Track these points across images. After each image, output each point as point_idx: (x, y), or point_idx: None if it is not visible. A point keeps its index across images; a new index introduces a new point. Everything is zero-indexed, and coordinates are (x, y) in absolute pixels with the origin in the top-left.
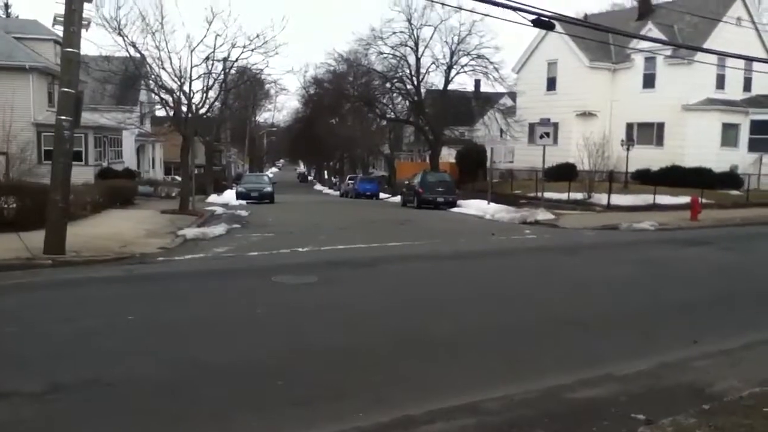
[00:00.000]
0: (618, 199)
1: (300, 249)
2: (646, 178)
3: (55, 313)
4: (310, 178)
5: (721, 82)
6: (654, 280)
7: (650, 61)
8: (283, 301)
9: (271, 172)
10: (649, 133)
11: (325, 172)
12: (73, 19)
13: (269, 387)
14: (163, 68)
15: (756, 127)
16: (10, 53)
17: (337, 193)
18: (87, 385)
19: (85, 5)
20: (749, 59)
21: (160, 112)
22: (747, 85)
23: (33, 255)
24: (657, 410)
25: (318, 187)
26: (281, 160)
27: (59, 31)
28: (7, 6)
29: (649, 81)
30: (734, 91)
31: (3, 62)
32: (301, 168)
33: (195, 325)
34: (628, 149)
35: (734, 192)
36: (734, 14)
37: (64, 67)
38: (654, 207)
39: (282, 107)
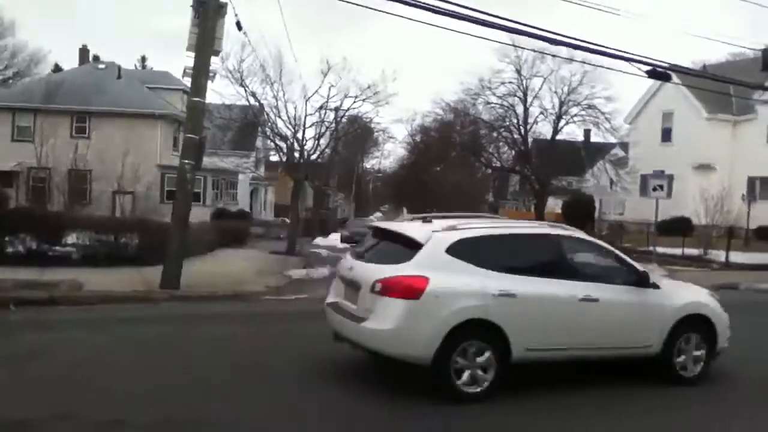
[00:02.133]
0: (738, 257)
1: None
2: None
3: (163, 346)
4: None
5: None
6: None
7: None
8: None
9: (375, 216)
10: None
11: None
12: (200, 71)
13: None
14: (279, 116)
15: None
16: (144, 102)
17: None
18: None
19: (212, 59)
20: None
21: (274, 158)
22: None
23: (150, 288)
24: None
25: None
26: (386, 205)
27: (188, 82)
28: (143, 59)
29: None
30: None
31: (137, 110)
32: (405, 214)
33: (296, 368)
34: (749, 204)
35: None
36: None
37: (189, 114)
38: None
39: (389, 154)
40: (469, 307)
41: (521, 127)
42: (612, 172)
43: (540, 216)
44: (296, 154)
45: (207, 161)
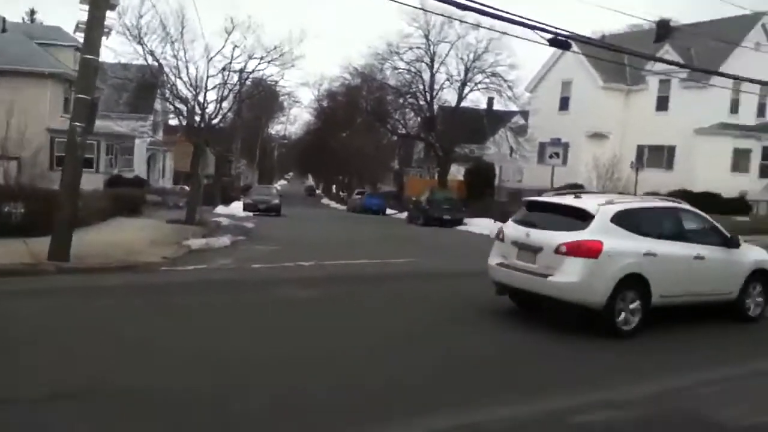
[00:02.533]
0: None
1: (304, 263)
2: None
3: (52, 321)
4: (317, 192)
5: (735, 107)
6: None
7: (665, 83)
8: (283, 315)
9: (279, 184)
10: (660, 156)
11: (333, 186)
12: (94, 25)
13: (267, 404)
14: (180, 77)
15: None
16: (31, 59)
17: (344, 207)
18: (83, 395)
19: (108, 13)
20: (765, 84)
21: (173, 122)
22: (761, 110)
23: (37, 260)
24: None
25: (325, 201)
26: (290, 173)
27: (81, 37)
28: (32, 12)
29: (662, 104)
30: (748, 116)
31: (24, 67)
32: (310, 181)
33: (187, 338)
34: (637, 171)
35: (742, 218)
36: (753, 39)
37: (81, 72)
38: None
39: (295, 120)
40: (630, 264)
41: (427, 94)
42: (512, 139)
43: (443, 184)
44: (197, 118)
45: (100, 124)
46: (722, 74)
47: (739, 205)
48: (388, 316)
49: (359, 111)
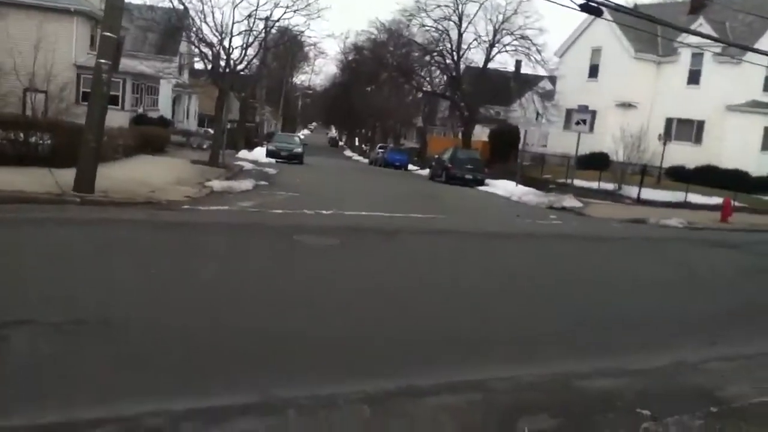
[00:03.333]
0: (649, 194)
1: (324, 211)
2: (681, 176)
3: (77, 251)
4: (340, 143)
5: None
6: (680, 280)
7: (697, 57)
8: (301, 261)
9: (302, 133)
10: (689, 130)
11: (357, 138)
12: None
13: (266, 349)
14: (205, 22)
15: None
16: None
17: (366, 160)
18: (102, 323)
19: None
20: None
21: (199, 65)
22: None
23: (63, 191)
24: (664, 409)
25: (348, 153)
26: (314, 123)
27: None
28: None
29: (694, 77)
30: None
31: (51, 3)
32: (333, 133)
33: (210, 277)
34: (664, 144)
35: None
36: None
37: (107, 11)
38: (685, 205)
39: (320, 71)
40: None
41: (454, 53)
42: (539, 104)
43: (467, 144)
44: (222, 63)
45: (126, 64)
46: (757, 50)
47: None
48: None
49: (385, 66)
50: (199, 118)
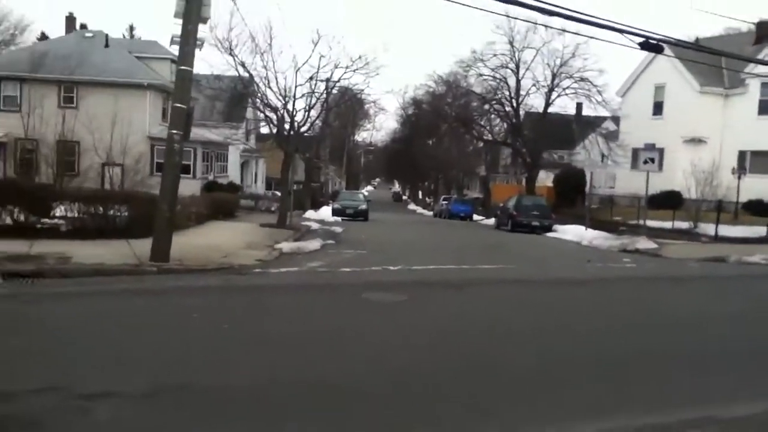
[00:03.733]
0: (726, 230)
1: (391, 267)
2: (759, 210)
3: (156, 319)
4: (404, 197)
5: None
6: (763, 319)
7: (767, 86)
8: (371, 318)
9: (366, 190)
10: (764, 161)
11: (420, 192)
12: (188, 39)
13: (338, 405)
14: (269, 87)
15: None
16: (131, 72)
17: (431, 213)
18: (182, 389)
19: (200, 26)
20: None
21: (264, 129)
22: None
23: (140, 262)
24: None
25: (412, 206)
26: (377, 179)
27: (176, 50)
28: (131, 28)
29: (765, 107)
30: None
31: (124, 80)
32: (396, 187)
33: (284, 338)
34: (739, 178)
35: None
36: None
37: (177, 84)
38: (767, 240)
39: (380, 127)
40: None
41: (513, 100)
42: (603, 145)
43: (531, 190)
44: (287, 126)
45: (196, 133)
46: None
47: None
48: (479, 318)
49: (444, 118)
50: (267, 181)
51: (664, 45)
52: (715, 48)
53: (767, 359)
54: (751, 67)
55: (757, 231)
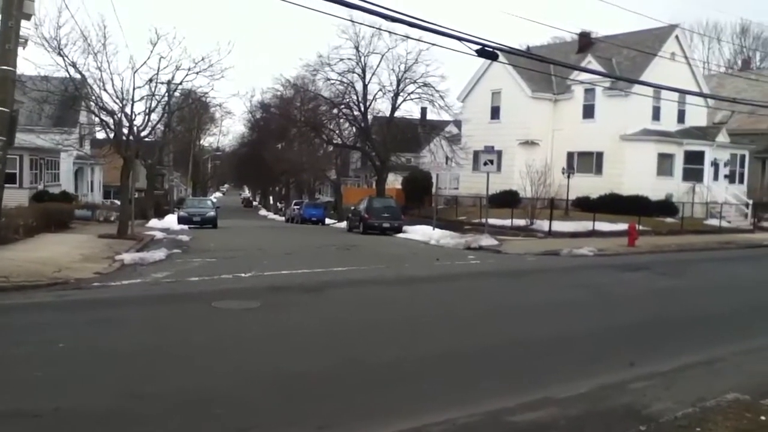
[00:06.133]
0: (559, 226)
1: (243, 274)
2: (586, 206)
3: None
4: (254, 203)
5: (656, 114)
6: (593, 305)
7: (590, 92)
8: (223, 327)
9: (214, 196)
10: (589, 161)
11: (271, 197)
12: (9, 36)
13: (208, 416)
14: (105, 89)
15: (689, 157)
16: None
17: (283, 218)
18: (13, 416)
19: (23, 23)
20: (682, 92)
21: (101, 134)
22: (681, 117)
23: None
24: None
25: (263, 212)
26: (226, 185)
27: None
28: None
29: (588, 112)
30: (669, 122)
31: None
32: (246, 193)
33: (127, 354)
34: (568, 177)
35: (669, 219)
36: (669, 50)
37: None
38: (593, 233)
39: (227, 131)
40: None
41: (361, 104)
42: (447, 148)
43: (381, 192)
44: (125, 131)
45: (23, 138)
46: (643, 83)
47: (666, 207)
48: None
49: (293, 121)
50: (105, 190)
51: (499, 53)
52: (544, 56)
53: (595, 343)
54: (576, 75)
55: (585, 225)
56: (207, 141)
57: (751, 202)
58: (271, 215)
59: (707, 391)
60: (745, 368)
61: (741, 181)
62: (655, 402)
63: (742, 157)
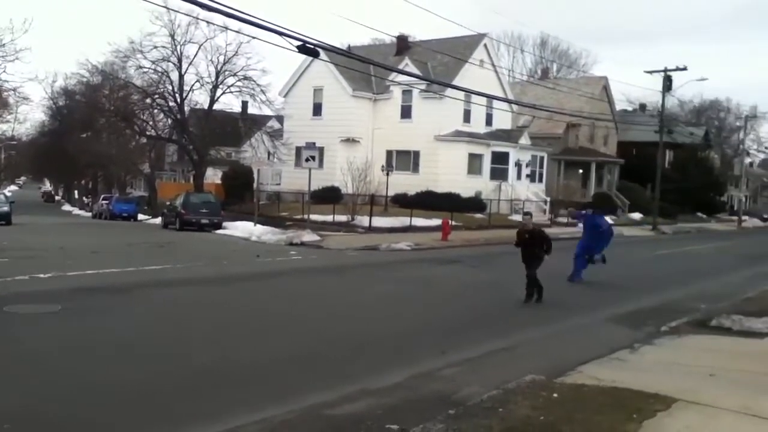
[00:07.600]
0: (379, 221)
1: (41, 275)
2: (404, 202)
3: None
4: (57, 197)
5: (467, 117)
6: (410, 299)
7: (407, 94)
8: (17, 334)
9: (9, 190)
10: (407, 160)
11: (76, 191)
12: None
13: None
14: None
15: (496, 157)
16: None
17: (90, 214)
18: None
19: None
20: (489, 97)
21: None
22: (489, 120)
23: None
24: (410, 419)
25: (67, 207)
26: (23, 178)
27: None
28: None
29: (406, 112)
30: (478, 125)
31: None
32: (47, 186)
33: None
34: (387, 174)
35: (479, 215)
36: (478, 57)
37: None
38: (410, 228)
39: (24, 119)
40: None
41: (177, 95)
42: (269, 143)
43: (199, 187)
44: None
45: None
46: (455, 87)
47: (476, 203)
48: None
49: (101, 111)
50: None
51: (320, 50)
52: (364, 56)
53: (412, 335)
54: (394, 76)
55: (403, 221)
56: (0, 129)
57: (549, 199)
58: (76, 211)
59: (510, 374)
60: (544, 352)
61: (540, 180)
62: (464, 387)
63: (542, 158)
